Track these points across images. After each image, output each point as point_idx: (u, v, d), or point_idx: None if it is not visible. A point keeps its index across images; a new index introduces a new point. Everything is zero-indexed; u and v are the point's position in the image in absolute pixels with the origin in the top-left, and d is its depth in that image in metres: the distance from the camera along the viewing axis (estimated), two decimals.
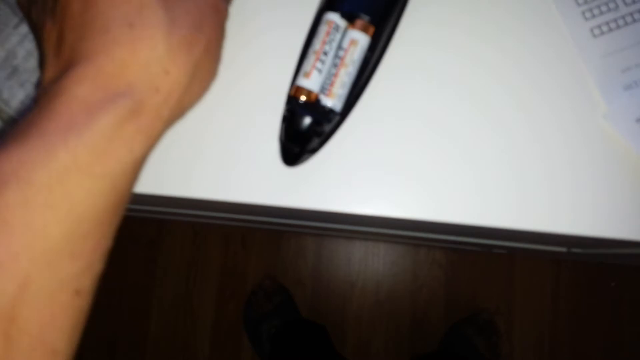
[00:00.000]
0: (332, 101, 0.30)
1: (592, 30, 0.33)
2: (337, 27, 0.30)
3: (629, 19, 0.33)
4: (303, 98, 0.30)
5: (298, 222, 0.65)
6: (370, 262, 1.19)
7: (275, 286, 1.16)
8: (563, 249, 0.61)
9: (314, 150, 0.31)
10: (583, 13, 0.33)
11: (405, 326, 1.17)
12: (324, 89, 0.30)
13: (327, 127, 0.30)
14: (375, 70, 0.31)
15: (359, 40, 0.30)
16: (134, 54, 0.23)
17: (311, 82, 0.30)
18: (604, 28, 0.33)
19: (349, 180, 0.32)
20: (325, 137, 0.31)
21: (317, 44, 0.30)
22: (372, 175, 0.32)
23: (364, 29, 0.30)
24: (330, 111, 0.30)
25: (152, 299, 1.21)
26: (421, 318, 1.17)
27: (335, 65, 0.30)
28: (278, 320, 1.10)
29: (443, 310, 1.17)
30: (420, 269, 1.18)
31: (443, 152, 0.32)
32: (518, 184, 0.32)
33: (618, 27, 0.33)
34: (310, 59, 0.30)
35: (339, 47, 0.30)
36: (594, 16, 0.33)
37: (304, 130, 0.30)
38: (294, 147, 0.30)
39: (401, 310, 1.17)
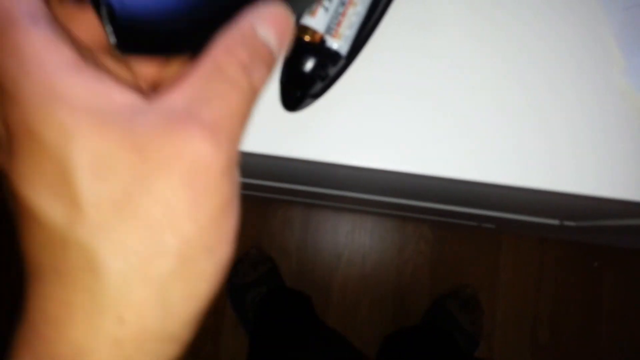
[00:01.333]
0: (338, 43, 0.28)
1: None
2: None
3: None
4: (307, 38, 0.28)
5: (287, 185, 0.63)
6: (357, 235, 1.18)
7: (260, 255, 1.15)
8: (555, 222, 0.60)
9: (317, 95, 0.29)
10: None
11: (390, 299, 1.17)
12: (329, 29, 0.28)
13: (331, 71, 0.29)
14: (385, 12, 0.29)
15: None
16: None
17: (317, 20, 0.28)
18: None
19: (350, 130, 0.30)
20: (329, 82, 0.29)
21: None
22: (376, 126, 0.30)
23: None
24: (336, 54, 0.28)
25: None
26: (405, 292, 1.17)
27: (343, 4, 0.28)
28: (262, 289, 1.09)
29: (428, 285, 1.17)
30: (407, 244, 1.18)
31: (452, 106, 0.30)
32: (533, 142, 0.30)
33: None
34: None
35: None
36: None
37: (307, 72, 0.28)
38: (295, 90, 0.29)
39: (386, 284, 1.17)
